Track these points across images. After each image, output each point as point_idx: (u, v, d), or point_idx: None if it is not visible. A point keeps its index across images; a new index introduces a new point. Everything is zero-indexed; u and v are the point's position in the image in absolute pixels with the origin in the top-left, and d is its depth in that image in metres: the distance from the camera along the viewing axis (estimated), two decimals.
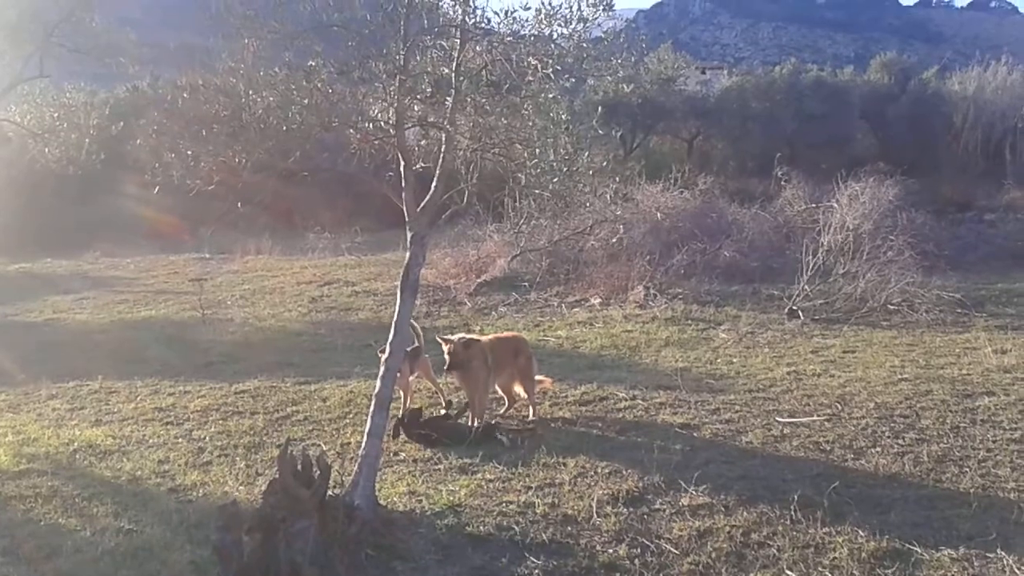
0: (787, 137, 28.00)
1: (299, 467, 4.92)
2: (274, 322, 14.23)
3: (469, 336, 8.22)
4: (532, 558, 5.17)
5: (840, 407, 8.10)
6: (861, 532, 5.41)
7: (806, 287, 12.94)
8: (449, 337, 7.99)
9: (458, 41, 5.78)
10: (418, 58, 5.97)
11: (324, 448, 7.50)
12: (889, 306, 12.58)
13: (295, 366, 10.83)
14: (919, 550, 5.19)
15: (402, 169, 5.95)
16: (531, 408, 8.21)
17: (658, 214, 16.39)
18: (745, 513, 5.77)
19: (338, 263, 20.24)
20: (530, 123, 5.77)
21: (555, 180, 5.74)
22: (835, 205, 15.66)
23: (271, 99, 5.53)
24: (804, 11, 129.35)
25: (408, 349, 7.78)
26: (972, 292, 13.43)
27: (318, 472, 4.97)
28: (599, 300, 14.14)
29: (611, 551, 5.29)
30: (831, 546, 5.28)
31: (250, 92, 5.77)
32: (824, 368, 9.69)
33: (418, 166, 6.17)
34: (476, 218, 18.52)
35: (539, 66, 5.60)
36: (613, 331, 12.13)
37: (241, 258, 21.82)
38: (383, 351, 8.26)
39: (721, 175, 24.56)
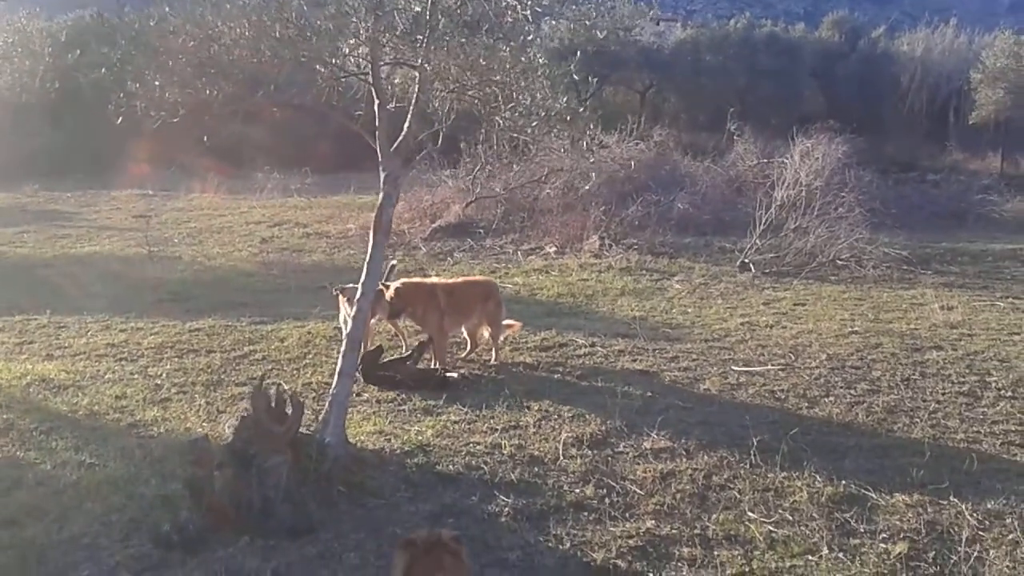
0: (739, 92, 28.19)
1: (272, 404, 4.90)
2: (224, 261, 14.04)
3: (408, 280, 8.26)
4: (501, 496, 5.24)
5: (793, 358, 8.29)
6: (818, 477, 5.58)
7: (758, 241, 13.13)
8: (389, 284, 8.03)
9: None
10: None
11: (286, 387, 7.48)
12: (838, 261, 12.86)
13: (249, 306, 10.72)
14: (874, 495, 5.36)
15: (376, 108, 5.86)
16: (494, 352, 8.26)
17: (617, 165, 16.41)
18: (706, 457, 5.91)
19: (287, 204, 19.95)
20: (507, 65, 5.71)
21: (534, 124, 5.71)
22: (787, 161, 15.91)
23: (242, 30, 5.38)
24: None
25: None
26: (918, 250, 13.76)
27: (291, 409, 4.95)
28: (554, 249, 14.19)
29: (578, 491, 5.39)
30: (790, 490, 5.43)
31: (218, 23, 5.63)
32: (776, 320, 9.90)
33: (391, 105, 6.08)
34: (431, 163, 18.38)
35: (518, 6, 5.53)
36: (569, 279, 12.20)
37: (186, 196, 21.39)
38: (338, 290, 8.26)
39: (673, 128, 24.61)
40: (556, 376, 7.84)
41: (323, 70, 5.86)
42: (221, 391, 7.46)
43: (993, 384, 7.48)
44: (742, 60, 29.45)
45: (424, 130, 6.25)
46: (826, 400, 7.16)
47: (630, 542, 4.80)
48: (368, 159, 21.45)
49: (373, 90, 5.79)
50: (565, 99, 5.70)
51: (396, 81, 6.17)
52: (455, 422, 6.53)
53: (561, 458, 5.84)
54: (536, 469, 5.70)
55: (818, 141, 15.54)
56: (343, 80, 6.04)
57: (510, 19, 5.62)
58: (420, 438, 6.09)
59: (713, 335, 9.21)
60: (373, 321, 8.55)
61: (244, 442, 4.81)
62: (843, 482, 5.52)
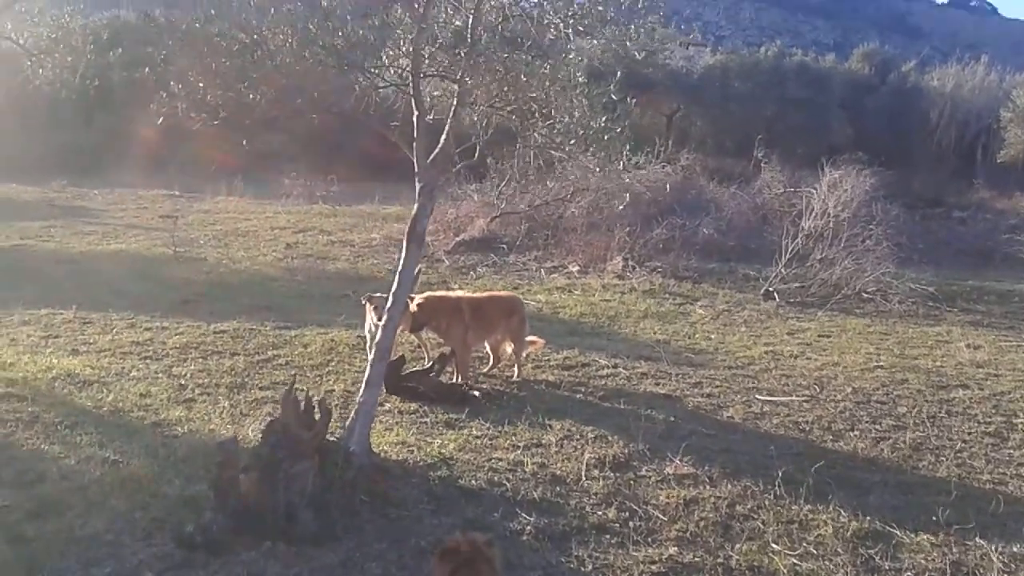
0: (767, 119, 28.09)
1: (301, 409, 4.90)
2: (249, 265, 14.10)
3: (432, 294, 8.25)
4: (524, 515, 5.22)
5: (818, 389, 8.24)
6: (843, 512, 5.52)
7: (783, 270, 13.08)
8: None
9: None
10: (437, 7, 5.88)
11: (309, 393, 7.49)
12: (864, 294, 12.78)
13: (273, 310, 10.75)
14: (899, 533, 5.30)
15: (415, 119, 5.88)
16: (516, 368, 8.24)
17: (643, 187, 16.40)
18: (729, 486, 5.86)
19: (312, 211, 20.05)
20: (546, 83, 5.72)
21: (571, 142, 5.72)
22: (814, 191, 15.85)
23: (286, 37, 5.41)
24: None
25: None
26: (944, 287, 13.65)
27: (319, 415, 4.95)
28: (577, 268, 14.18)
29: (600, 513, 5.35)
30: (815, 523, 5.38)
31: (263, 28, 5.67)
32: (801, 350, 9.83)
33: (429, 117, 6.09)
34: (456, 176, 18.44)
35: (560, 24, 5.54)
36: (592, 299, 12.18)
37: (212, 198, 21.55)
38: (366, 298, 8.27)
39: (699, 152, 24.57)
40: (578, 396, 7.81)
41: (363, 80, 5.88)
42: (244, 394, 7.48)
43: (1020, 426, 7.40)
44: (771, 88, 29.40)
45: (461, 143, 6.26)
46: (851, 434, 7.10)
47: (652, 568, 4.77)
48: (393, 170, 21.51)
49: (413, 102, 5.81)
50: (604, 119, 5.69)
51: (435, 93, 6.17)
52: (477, 437, 6.52)
53: (583, 479, 5.81)
54: (558, 489, 5.67)
55: (846, 173, 15.42)
56: (380, 90, 6.06)
57: (552, 36, 5.63)
58: (443, 451, 6.07)
59: (737, 362, 9.16)
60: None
61: (271, 446, 4.80)
62: (868, 518, 5.47)
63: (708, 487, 5.83)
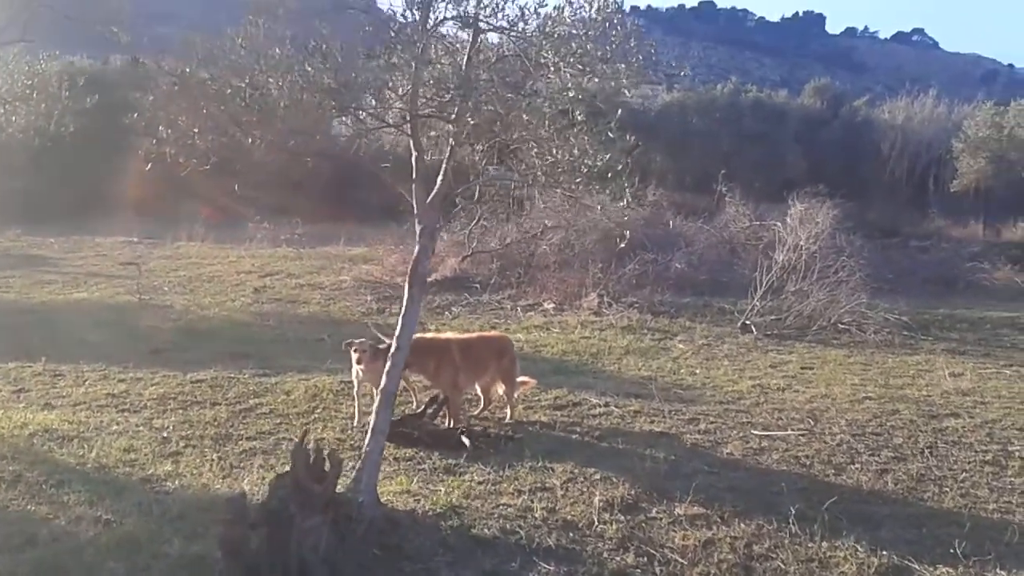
0: (725, 154, 28.44)
1: (311, 460, 4.72)
2: (218, 311, 13.83)
3: (419, 336, 8.07)
4: (542, 563, 5.06)
5: (812, 423, 8.20)
6: (860, 548, 5.44)
7: (757, 303, 13.13)
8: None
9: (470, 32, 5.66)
10: (434, 48, 5.82)
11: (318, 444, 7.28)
12: (840, 325, 12.86)
13: (249, 357, 10.50)
14: (918, 567, 5.24)
15: (413, 160, 5.78)
16: (508, 409, 8.10)
17: (612, 224, 16.40)
18: (743, 525, 5.76)
19: (276, 254, 19.80)
20: (546, 121, 5.66)
21: (577, 180, 5.66)
22: (779, 224, 16.04)
23: (288, 79, 5.30)
24: (734, 33, 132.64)
25: (380, 347, 7.60)
26: (916, 316, 13.77)
27: (329, 467, 4.77)
28: (553, 305, 14.11)
29: (618, 559, 5.22)
30: (834, 561, 5.30)
31: (255, 71, 5.55)
32: (787, 383, 9.82)
33: (428, 157, 6.00)
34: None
35: (560, 63, 5.50)
36: (571, 337, 12.10)
37: (172, 244, 21.22)
38: (347, 344, 8.02)
39: (662, 188, 24.76)
40: (575, 436, 7.69)
41: (365, 122, 5.77)
42: (231, 446, 7.25)
43: (1016, 453, 7.41)
44: (728, 124, 29.86)
45: (460, 184, 6.18)
46: (852, 467, 7.06)
47: None
48: (357, 211, 21.51)
49: (411, 143, 5.72)
50: (608, 156, 5.65)
51: (431, 134, 6.08)
52: (480, 483, 6.35)
53: (596, 523, 5.67)
54: (571, 535, 5.52)
55: (813, 205, 15.61)
56: (374, 132, 5.96)
57: (551, 76, 5.59)
58: (450, 499, 5.90)
59: (727, 397, 9.11)
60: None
61: (281, 501, 4.61)
62: (885, 553, 5.39)
63: (722, 527, 5.73)
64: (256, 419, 8.04)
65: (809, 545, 5.50)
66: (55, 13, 9.77)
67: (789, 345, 12.18)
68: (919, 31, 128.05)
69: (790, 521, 5.72)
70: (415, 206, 5.85)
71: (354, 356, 7.86)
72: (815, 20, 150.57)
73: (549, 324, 13.00)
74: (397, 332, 5.83)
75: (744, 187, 22.73)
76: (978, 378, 10.24)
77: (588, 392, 9.00)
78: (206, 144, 5.74)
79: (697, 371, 10.42)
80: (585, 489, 6.29)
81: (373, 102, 5.74)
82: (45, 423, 7.58)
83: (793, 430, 7.95)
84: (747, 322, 12.91)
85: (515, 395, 8.19)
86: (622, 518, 5.80)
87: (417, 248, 5.85)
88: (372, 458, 5.32)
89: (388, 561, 4.96)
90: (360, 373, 7.80)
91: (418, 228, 5.85)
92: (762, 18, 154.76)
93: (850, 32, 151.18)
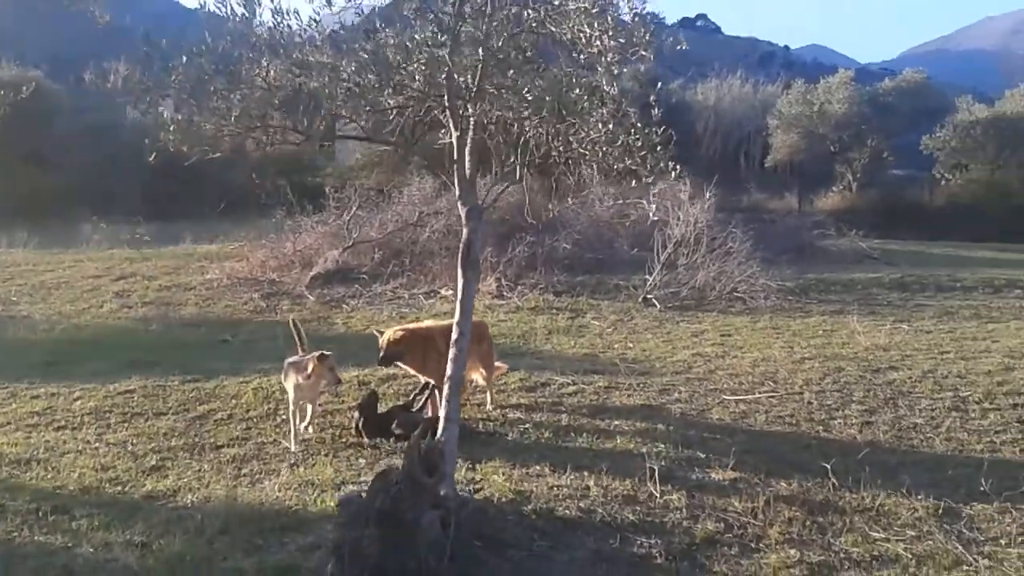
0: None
1: (422, 454, 4.44)
2: (90, 319, 12.81)
3: (403, 327, 7.77)
4: (637, 537, 5.01)
5: (773, 385, 8.52)
6: (901, 495, 5.71)
7: (651, 277, 13.53)
8: (382, 329, 7.60)
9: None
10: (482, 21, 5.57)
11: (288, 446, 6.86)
12: (735, 294, 13.44)
13: (160, 364, 9.74)
14: (957, 506, 5.57)
15: (454, 140, 5.54)
16: (489, 395, 7.93)
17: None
18: (784, 483, 5.93)
19: (117, 256, 18.44)
20: (585, 95, 5.58)
21: (614, 154, 5.60)
22: (645, 203, 16.63)
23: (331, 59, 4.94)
24: None
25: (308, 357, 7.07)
26: (789, 282, 14.56)
27: (439, 461, 4.51)
28: (451, 292, 13.91)
29: (699, 527, 5.23)
30: (886, 508, 5.54)
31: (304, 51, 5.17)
32: (721, 351, 10.15)
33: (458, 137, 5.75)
34: (289, 209, 17.64)
35: (605, 37, 5.42)
36: (487, 320, 11.97)
37: None
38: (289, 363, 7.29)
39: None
40: (563, 414, 7.62)
41: (411, 101, 5.47)
42: (212, 454, 6.75)
43: (969, 398, 7.99)
44: None
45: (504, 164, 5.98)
46: (835, 422, 7.40)
47: (793, 572, 4.72)
48: (187, 207, 20.76)
49: (451, 121, 5.47)
50: (650, 130, 5.62)
51: (467, 112, 5.82)
52: (512, 467, 6.18)
53: (657, 495, 5.65)
54: (640, 508, 5.48)
55: (685, 185, 16.23)
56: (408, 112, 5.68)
57: (592, 49, 5.49)
58: (510, 484, 5.72)
59: (676, 367, 9.31)
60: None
61: (393, 499, 4.32)
62: (924, 496, 5.68)
63: (768, 488, 5.85)
64: (217, 426, 7.51)
65: (855, 496, 5.71)
66: None
67: (692, 315, 12.61)
68: (703, 16, 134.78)
69: (829, 476, 5.92)
70: (456, 188, 5.61)
71: (291, 372, 7.16)
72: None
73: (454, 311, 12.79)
74: (456, 318, 5.59)
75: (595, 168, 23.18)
76: (884, 334, 10.97)
77: (545, 372, 8.95)
78: (221, 129, 5.30)
79: (630, 345, 10.60)
80: (616, 463, 6.27)
81: (418, 79, 5.41)
82: None
83: (760, 393, 8.23)
84: (648, 296, 13.26)
85: (492, 380, 8.04)
86: (670, 488, 5.81)
87: (466, 232, 5.62)
88: (449, 448, 5.06)
89: (493, 551, 4.75)
90: (296, 391, 7.14)
91: (463, 211, 5.62)
92: None
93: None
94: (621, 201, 18.65)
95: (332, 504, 5.50)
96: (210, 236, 20.44)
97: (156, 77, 5.27)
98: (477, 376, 8.03)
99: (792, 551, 4.94)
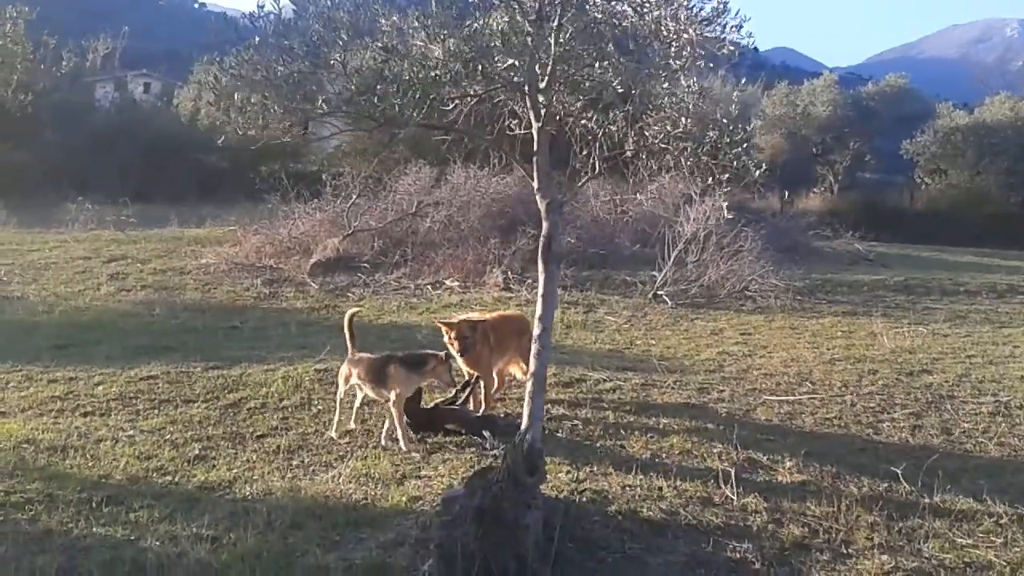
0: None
1: (524, 451, 4.26)
2: (90, 301, 12.44)
3: (469, 317, 7.59)
4: (728, 542, 4.87)
5: (811, 386, 8.44)
6: (975, 500, 5.63)
7: (663, 275, 13.43)
8: (450, 320, 7.37)
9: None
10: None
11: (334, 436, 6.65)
12: (747, 293, 13.38)
13: (177, 350, 9.54)
14: None
15: (535, 131, 5.35)
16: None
17: (490, 199, 16.26)
18: (854, 488, 5.83)
19: (102, 237, 17.97)
20: (665, 84, 5.43)
21: (701, 151, 5.46)
22: (641, 199, 16.66)
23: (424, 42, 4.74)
24: None
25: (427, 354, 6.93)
26: (796, 282, 14.54)
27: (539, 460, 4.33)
28: (457, 283, 13.73)
29: (785, 532, 5.11)
30: (966, 514, 5.45)
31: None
32: (746, 350, 10.06)
33: (547, 128, 5.55)
34: (284, 195, 17.30)
35: (691, 30, 5.28)
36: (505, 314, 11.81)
37: None
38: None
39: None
40: (607, 411, 7.46)
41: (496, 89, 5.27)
42: (255, 444, 6.53)
43: (1011, 403, 7.97)
44: None
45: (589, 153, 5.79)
46: (883, 425, 7.32)
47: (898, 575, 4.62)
48: (167, 190, 20.59)
49: (531, 112, 5.29)
50: (732, 127, 5.49)
51: (547, 102, 5.61)
52: (572, 465, 6.02)
53: (734, 499, 5.52)
54: (719, 511, 5.34)
55: (663, 183, 16.21)
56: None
57: (674, 43, 5.34)
58: (582, 484, 5.56)
59: (706, 366, 9.20)
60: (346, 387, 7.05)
61: (494, 497, 4.13)
62: (991, 503, 5.60)
63: (839, 492, 5.74)
64: (251, 415, 7.29)
65: (930, 501, 5.63)
66: None
67: (705, 313, 12.53)
68: None
69: (899, 479, 5.84)
70: (536, 180, 5.43)
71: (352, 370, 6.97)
72: None
73: (465, 302, 12.61)
74: (539, 312, 5.40)
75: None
76: (906, 337, 10.95)
77: (578, 368, 8.79)
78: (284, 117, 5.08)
79: (652, 341, 10.49)
80: (680, 463, 6.14)
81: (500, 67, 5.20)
82: (13, 433, 6.50)
83: (799, 394, 8.14)
84: (659, 292, 13.16)
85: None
86: (743, 490, 5.68)
87: (546, 225, 5.44)
88: (536, 447, 4.88)
89: (584, 552, 4.59)
90: (355, 390, 6.95)
91: (542, 204, 5.43)
92: None
93: None
94: (618, 197, 18.57)
95: (402, 500, 5.34)
96: (196, 220, 20.06)
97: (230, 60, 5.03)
98: (516, 370, 7.86)
99: (884, 557, 4.83)
